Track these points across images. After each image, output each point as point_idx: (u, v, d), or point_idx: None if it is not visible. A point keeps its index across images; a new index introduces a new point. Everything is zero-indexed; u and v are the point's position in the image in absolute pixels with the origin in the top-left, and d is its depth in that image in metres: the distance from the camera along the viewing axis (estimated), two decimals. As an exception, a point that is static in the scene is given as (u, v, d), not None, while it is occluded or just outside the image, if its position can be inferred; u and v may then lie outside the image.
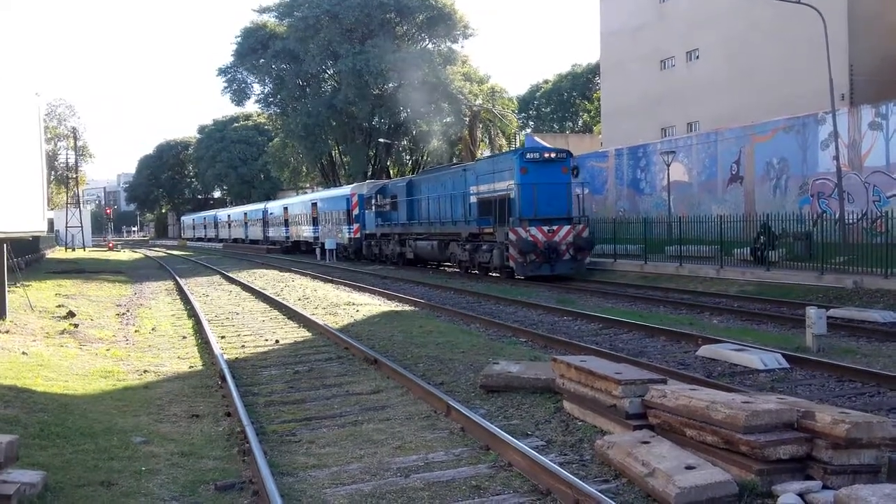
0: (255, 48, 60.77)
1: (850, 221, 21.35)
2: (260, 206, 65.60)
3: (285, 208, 55.50)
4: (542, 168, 23.59)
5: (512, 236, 22.73)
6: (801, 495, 5.25)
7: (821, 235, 20.01)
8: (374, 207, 35.87)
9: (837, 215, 22.00)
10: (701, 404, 5.93)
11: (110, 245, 75.48)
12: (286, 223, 54.80)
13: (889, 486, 4.86)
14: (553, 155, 24.24)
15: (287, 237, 54.78)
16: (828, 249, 19.42)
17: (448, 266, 30.20)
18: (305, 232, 49.65)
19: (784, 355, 10.36)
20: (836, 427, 5.42)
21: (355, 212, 39.14)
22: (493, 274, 25.35)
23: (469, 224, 26.30)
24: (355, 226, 39.28)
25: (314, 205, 47.37)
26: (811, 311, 11.40)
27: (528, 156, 23.95)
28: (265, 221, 61.43)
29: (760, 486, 5.42)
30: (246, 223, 68.42)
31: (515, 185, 23.41)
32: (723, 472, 5.49)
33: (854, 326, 13.23)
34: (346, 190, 42.49)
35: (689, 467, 5.50)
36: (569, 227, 23.20)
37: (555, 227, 22.96)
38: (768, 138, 29.05)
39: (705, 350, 11.12)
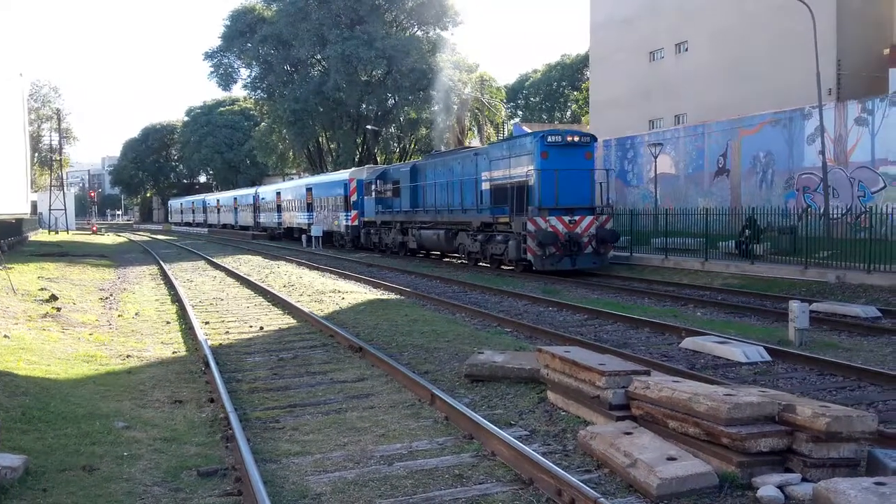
0: (242, 32, 60.30)
1: (835, 216, 21.48)
2: (251, 190, 64.20)
3: (278, 193, 53.86)
4: (564, 153, 21.99)
5: (531, 227, 21.27)
6: (780, 488, 5.30)
7: (805, 230, 20.14)
8: (374, 193, 34.17)
9: (822, 210, 22.15)
10: (683, 396, 5.97)
11: (94, 228, 74.92)
12: (279, 209, 53.15)
13: (868, 479, 4.91)
14: (576, 139, 22.50)
15: (279, 223, 53.23)
16: (812, 244, 19.58)
17: (455, 257, 28.53)
18: (299, 218, 47.97)
19: (766, 348, 10.44)
20: (817, 420, 5.46)
21: (353, 198, 37.49)
22: (507, 267, 23.84)
23: (481, 213, 24.66)
24: (353, 212, 37.65)
25: (309, 190, 45.67)
26: (794, 305, 11.49)
27: (549, 139, 22.11)
28: (256, 207, 59.94)
29: (741, 478, 5.47)
30: (236, 208, 67.23)
31: (535, 171, 21.88)
32: (704, 463, 5.53)
33: (836, 321, 13.33)
34: (343, 175, 40.56)
35: (670, 458, 5.54)
36: (591, 217, 21.87)
37: (577, 218, 21.62)
38: (755, 132, 29.18)
39: (689, 342, 11.18)
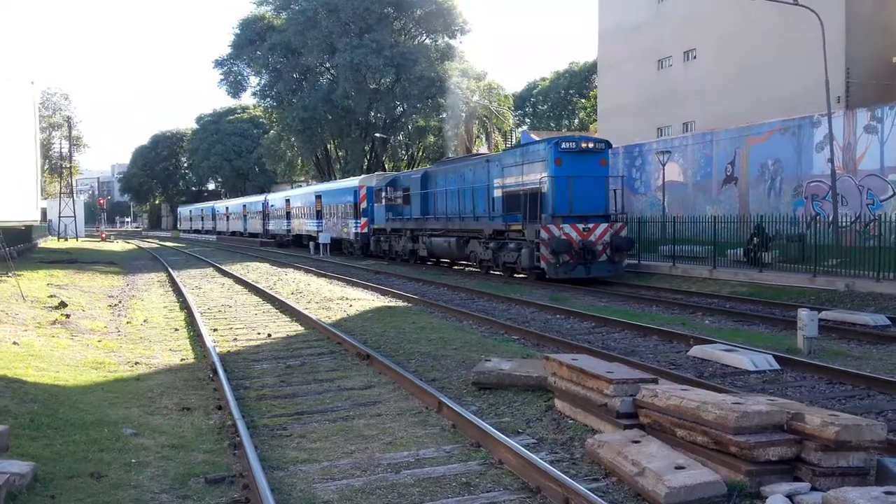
0: (252, 40, 60.68)
1: (844, 224, 21.40)
2: (260, 198, 64.15)
3: (287, 200, 53.67)
4: (578, 159, 21.68)
5: (544, 234, 20.95)
6: (789, 497, 5.26)
7: (814, 237, 20.08)
8: (384, 200, 34.05)
9: (831, 218, 22.06)
10: (691, 404, 5.95)
11: (103, 235, 75.29)
12: (288, 216, 53.03)
13: (877, 488, 4.87)
14: (591, 145, 22.30)
15: (288, 230, 53.02)
16: (821, 252, 19.50)
17: (465, 265, 28.23)
18: (308, 225, 47.79)
19: (775, 357, 10.40)
20: (826, 429, 5.44)
21: (363, 205, 37.38)
22: (520, 275, 23.50)
23: (493, 220, 24.41)
24: (363, 220, 37.59)
25: (318, 197, 45.47)
26: (803, 313, 11.44)
27: (563, 145, 21.82)
28: (265, 214, 59.83)
29: (749, 487, 5.44)
30: (245, 216, 67.24)
31: (549, 178, 21.56)
32: (712, 472, 5.51)
33: (845, 329, 13.27)
34: (353, 182, 40.44)
35: (678, 467, 5.51)
36: (606, 225, 21.49)
37: (591, 226, 21.29)
38: (763, 139, 29.11)
39: (697, 350, 11.15)
